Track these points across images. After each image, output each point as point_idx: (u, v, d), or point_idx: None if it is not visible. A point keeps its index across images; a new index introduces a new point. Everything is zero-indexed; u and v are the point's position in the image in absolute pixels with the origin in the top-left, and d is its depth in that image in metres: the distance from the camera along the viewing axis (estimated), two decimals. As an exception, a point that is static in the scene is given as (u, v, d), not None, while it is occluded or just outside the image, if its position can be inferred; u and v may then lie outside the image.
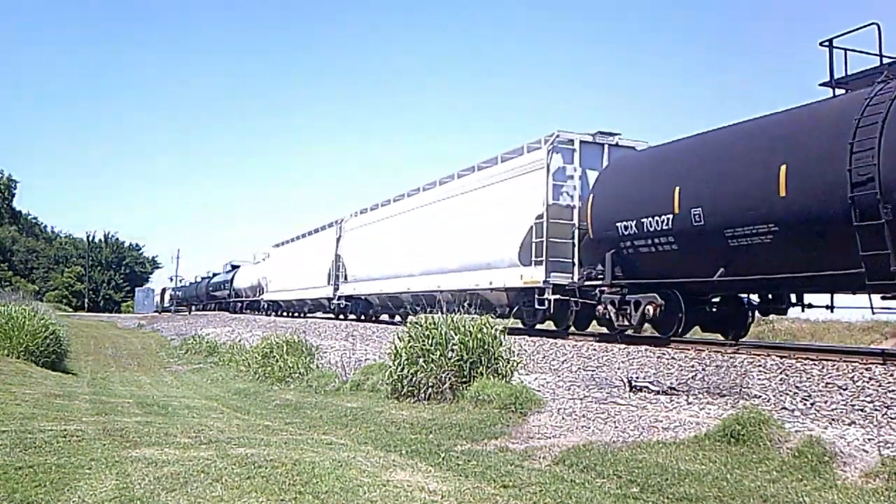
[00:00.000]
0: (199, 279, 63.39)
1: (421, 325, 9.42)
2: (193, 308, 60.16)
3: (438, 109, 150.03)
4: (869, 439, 5.44)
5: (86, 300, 75.44)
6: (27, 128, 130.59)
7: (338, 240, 27.42)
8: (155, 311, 66.41)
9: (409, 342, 9.35)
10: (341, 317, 27.34)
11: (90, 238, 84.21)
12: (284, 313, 36.42)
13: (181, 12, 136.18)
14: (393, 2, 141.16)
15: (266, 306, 39.55)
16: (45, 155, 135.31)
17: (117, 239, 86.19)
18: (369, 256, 23.78)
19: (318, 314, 32.23)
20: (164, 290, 75.04)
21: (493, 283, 15.18)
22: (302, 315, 33.81)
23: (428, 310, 11.87)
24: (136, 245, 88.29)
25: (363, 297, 24.54)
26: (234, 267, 50.61)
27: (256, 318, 33.57)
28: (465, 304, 10.03)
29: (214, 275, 57.18)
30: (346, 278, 26.06)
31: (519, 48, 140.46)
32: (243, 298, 45.14)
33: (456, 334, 8.89)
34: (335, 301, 26.89)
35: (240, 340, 22.07)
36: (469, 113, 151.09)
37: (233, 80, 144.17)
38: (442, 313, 9.46)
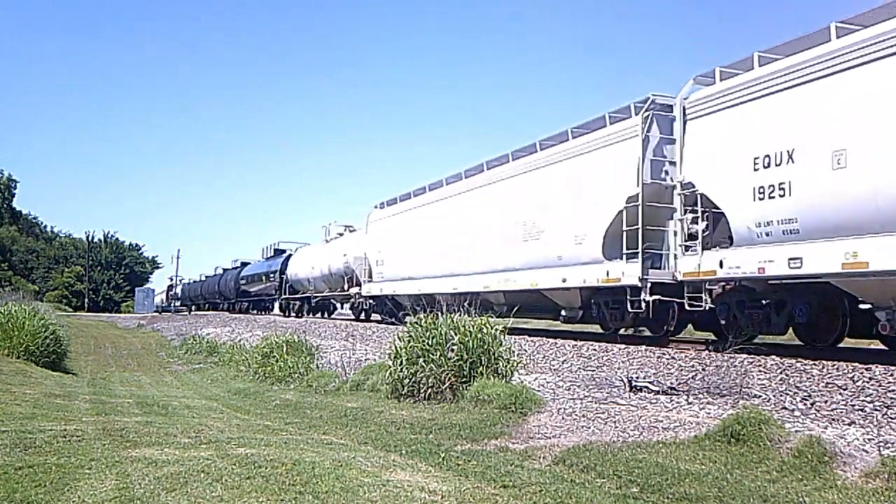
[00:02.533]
0: (221, 270, 49.89)
1: (421, 325, 9.42)
2: (194, 308, 58.56)
3: (434, 111, 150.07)
4: (869, 439, 5.44)
5: (86, 300, 75.48)
6: (27, 128, 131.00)
7: (650, 143, 11.44)
8: (155, 311, 65.28)
9: (409, 342, 9.35)
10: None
11: (90, 238, 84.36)
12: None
13: (181, 12, 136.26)
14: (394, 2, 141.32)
15: (368, 306, 23.96)
16: (45, 155, 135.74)
17: (117, 239, 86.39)
18: None
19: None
20: (170, 287, 72.01)
21: None
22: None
23: None
24: (136, 245, 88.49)
25: None
26: (279, 252, 36.16)
27: (257, 319, 33.16)
28: None
29: (244, 264, 42.77)
30: (728, 238, 10.21)
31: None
32: (310, 294, 30.30)
33: (456, 334, 8.88)
34: (644, 297, 11.20)
35: (240, 340, 22.07)
36: (455, 114, 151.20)
37: (233, 80, 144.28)
38: None
